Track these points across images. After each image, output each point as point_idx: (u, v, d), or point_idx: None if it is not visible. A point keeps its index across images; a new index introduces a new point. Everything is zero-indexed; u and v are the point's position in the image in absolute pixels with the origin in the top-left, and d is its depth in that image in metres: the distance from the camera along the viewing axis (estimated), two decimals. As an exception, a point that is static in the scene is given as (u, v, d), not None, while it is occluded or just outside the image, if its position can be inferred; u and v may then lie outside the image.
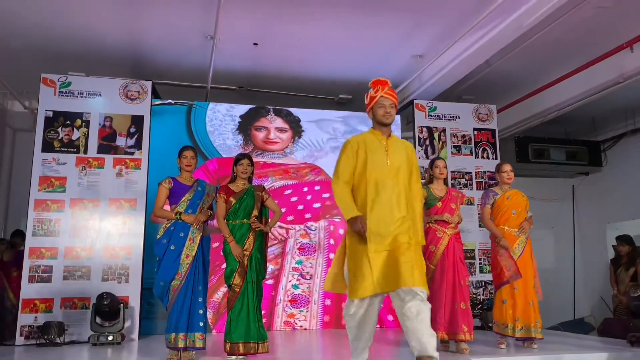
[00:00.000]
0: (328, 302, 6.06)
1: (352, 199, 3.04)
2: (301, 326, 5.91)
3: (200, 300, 3.77)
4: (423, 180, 4.08)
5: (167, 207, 3.93)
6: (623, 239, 6.31)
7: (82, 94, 5.49)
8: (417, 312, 2.80)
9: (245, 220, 3.93)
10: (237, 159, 4.08)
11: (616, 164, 7.52)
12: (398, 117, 6.90)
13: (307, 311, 6.00)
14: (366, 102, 3.21)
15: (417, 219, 3.11)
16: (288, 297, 5.98)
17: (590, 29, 5.05)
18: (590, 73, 5.67)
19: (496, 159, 6.46)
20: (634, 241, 6.36)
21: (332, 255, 6.21)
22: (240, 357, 3.75)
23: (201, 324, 3.75)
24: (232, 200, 3.94)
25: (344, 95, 7.04)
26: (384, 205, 2.99)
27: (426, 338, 2.78)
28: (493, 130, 6.58)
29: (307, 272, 6.11)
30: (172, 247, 3.73)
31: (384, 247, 2.92)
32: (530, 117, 6.90)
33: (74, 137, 5.38)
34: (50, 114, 5.38)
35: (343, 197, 3.06)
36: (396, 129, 6.82)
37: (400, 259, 2.88)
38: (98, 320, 4.81)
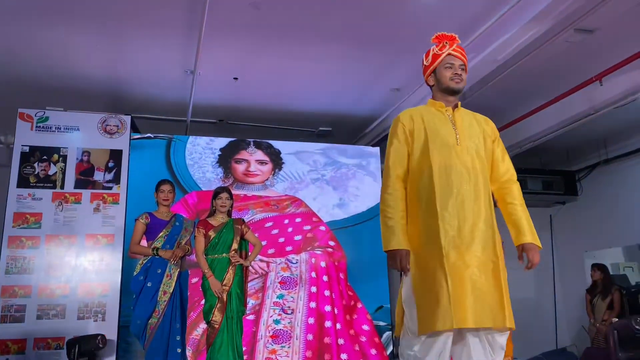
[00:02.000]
0: (310, 337, 5.96)
1: (399, 219, 2.23)
2: (283, 362, 5.80)
3: (177, 338, 3.69)
4: None
5: (144, 243, 3.88)
6: (596, 266, 6.39)
7: (60, 128, 5.45)
8: None
9: (224, 254, 3.89)
10: (216, 193, 4.06)
11: (591, 193, 7.66)
12: (377, 149, 6.97)
13: (289, 347, 5.89)
14: (425, 63, 2.45)
15: (520, 214, 2.27)
16: (269, 332, 5.88)
17: (562, 63, 5.21)
18: (563, 105, 5.82)
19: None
20: (609, 270, 6.44)
21: (314, 289, 6.16)
22: (220, 396, 3.66)
23: (179, 362, 3.66)
24: (211, 234, 3.91)
25: (323, 128, 7.10)
26: (461, 200, 2.17)
27: None
28: (471, 161, 6.66)
29: (289, 307, 6.03)
30: (148, 284, 3.67)
31: (461, 261, 2.10)
32: (507, 148, 7.00)
33: (50, 172, 5.31)
34: (27, 148, 5.32)
35: (393, 212, 2.25)
36: (375, 160, 6.88)
37: (485, 285, 2.09)
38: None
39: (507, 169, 2.40)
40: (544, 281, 8.13)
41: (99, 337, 4.79)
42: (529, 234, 2.26)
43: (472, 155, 2.27)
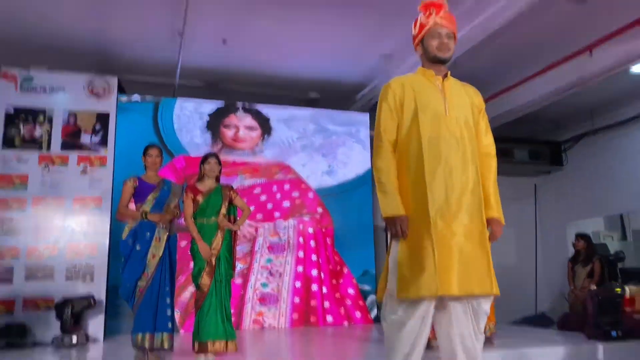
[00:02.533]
0: (297, 300, 6.08)
1: (396, 185, 2.23)
2: (270, 324, 5.92)
3: (167, 300, 3.73)
4: None
5: (132, 207, 3.88)
6: (580, 236, 6.54)
7: (45, 89, 5.35)
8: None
9: (213, 219, 3.91)
10: (205, 158, 4.05)
11: (576, 163, 7.77)
12: (367, 116, 6.96)
13: (276, 309, 6.00)
14: (414, 32, 2.43)
15: (490, 191, 2.32)
16: (257, 295, 5.98)
17: (553, 33, 5.20)
18: (552, 75, 5.83)
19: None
20: (592, 239, 6.59)
21: (301, 254, 6.24)
22: (210, 356, 3.74)
23: (169, 324, 3.72)
24: (200, 199, 3.92)
25: (313, 93, 7.05)
26: (449, 169, 2.19)
27: None
28: (459, 130, 6.69)
29: (276, 271, 6.12)
30: (137, 247, 3.68)
31: (448, 229, 2.13)
32: (494, 117, 7.03)
33: (36, 134, 5.25)
34: (11, 109, 5.23)
35: (386, 179, 2.24)
36: (365, 128, 6.88)
37: (471, 253, 2.13)
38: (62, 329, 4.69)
39: (489, 142, 2.42)
40: (527, 249, 8.31)
41: (90, 298, 4.84)
42: (496, 209, 2.31)
43: (460, 125, 2.28)
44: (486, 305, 2.18)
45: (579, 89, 5.70)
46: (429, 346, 4.14)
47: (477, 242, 2.16)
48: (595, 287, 5.59)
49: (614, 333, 4.33)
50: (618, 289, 4.54)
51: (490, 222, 2.28)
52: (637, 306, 4.80)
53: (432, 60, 2.36)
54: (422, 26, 2.37)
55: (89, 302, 4.80)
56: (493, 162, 2.40)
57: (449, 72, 2.40)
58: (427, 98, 2.29)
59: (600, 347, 4.18)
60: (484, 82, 6.62)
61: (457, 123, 2.27)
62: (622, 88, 6.29)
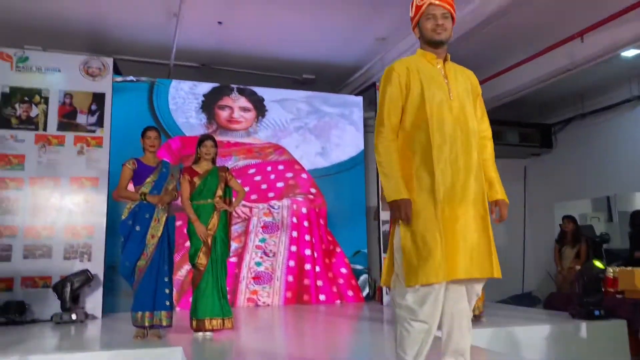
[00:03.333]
0: (290, 278, 6.21)
1: (399, 170, 2.20)
2: (264, 302, 6.06)
3: (166, 279, 3.83)
4: None
5: (131, 188, 3.95)
6: (568, 218, 6.69)
7: (41, 69, 5.36)
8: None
9: (209, 200, 4.00)
10: (201, 140, 4.11)
11: (565, 146, 7.90)
12: (360, 99, 7.02)
13: (270, 288, 6.14)
14: (411, 14, 2.39)
15: (492, 174, 2.36)
16: (251, 274, 6.10)
17: (544, 19, 5.26)
18: (544, 60, 5.91)
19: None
20: (578, 221, 6.76)
21: (294, 234, 6.36)
22: (207, 333, 3.87)
23: (167, 302, 3.82)
24: (196, 181, 4.00)
25: (307, 75, 7.09)
26: (455, 154, 2.18)
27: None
28: (451, 113, 6.77)
29: (270, 250, 6.23)
30: (137, 228, 3.77)
31: (456, 216, 2.14)
32: (486, 101, 7.06)
33: (32, 114, 5.27)
34: (7, 89, 5.24)
35: (388, 164, 2.21)
36: (358, 110, 6.94)
37: (475, 237, 2.16)
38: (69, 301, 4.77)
39: (486, 126, 2.43)
40: (515, 229, 8.48)
41: (86, 272, 4.90)
42: (500, 192, 2.36)
43: (463, 109, 2.26)
44: (479, 287, 2.26)
45: (570, 74, 5.78)
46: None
47: (480, 227, 2.18)
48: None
49: (596, 312, 4.50)
50: (601, 265, 4.69)
51: (497, 204, 2.33)
52: (619, 286, 4.96)
53: (429, 43, 2.32)
54: (417, 8, 2.33)
55: (86, 277, 4.87)
56: (490, 144, 2.42)
57: (449, 56, 2.37)
58: (432, 82, 2.26)
59: (584, 326, 4.34)
60: (477, 65, 6.65)
61: (460, 107, 2.25)
62: (611, 72, 6.39)
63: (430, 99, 2.22)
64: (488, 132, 2.43)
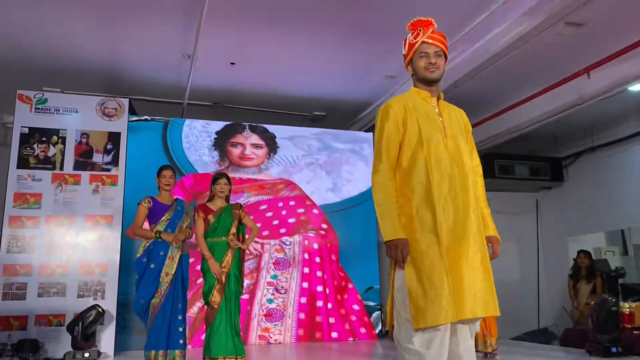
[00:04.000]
0: (302, 315, 6.17)
1: (397, 209, 2.20)
2: (276, 340, 6.01)
3: (179, 317, 3.85)
4: None
5: (146, 226, 4.01)
6: (583, 252, 6.63)
7: (59, 110, 5.51)
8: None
9: (223, 238, 4.04)
10: (215, 179, 4.18)
11: (576, 179, 7.89)
12: (370, 135, 7.11)
13: (281, 325, 6.10)
14: (404, 52, 2.41)
15: (485, 210, 2.34)
16: (263, 311, 6.08)
17: (551, 55, 5.35)
18: (552, 95, 5.99)
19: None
20: (592, 255, 6.70)
21: (306, 270, 6.35)
22: (219, 372, 3.85)
23: (181, 341, 3.83)
24: (211, 218, 4.05)
25: (318, 112, 7.21)
26: (453, 192, 2.19)
27: None
28: (461, 148, 6.82)
29: (282, 287, 6.22)
30: (152, 266, 3.81)
31: (459, 254, 2.14)
32: (495, 135, 7.19)
33: (49, 154, 5.39)
34: (26, 130, 5.37)
35: (385, 202, 2.21)
36: (368, 146, 7.02)
37: (477, 275, 2.14)
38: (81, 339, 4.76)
39: (477, 163, 2.43)
40: (529, 264, 8.40)
41: (96, 308, 4.87)
42: (492, 227, 2.36)
43: (458, 147, 2.27)
44: (477, 325, 2.26)
45: (578, 109, 5.84)
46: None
47: (480, 264, 2.17)
48: (596, 303, 5.67)
49: (614, 349, 4.42)
50: (609, 298, 4.64)
51: (490, 240, 2.31)
52: (636, 322, 4.88)
53: (422, 81, 2.35)
54: (410, 46, 2.36)
55: (97, 312, 4.82)
56: (481, 181, 2.41)
57: (442, 94, 2.40)
58: (428, 120, 2.27)
59: (601, 363, 4.27)
60: (486, 101, 6.80)
61: (455, 145, 2.26)
62: (620, 107, 6.44)
63: (428, 137, 2.23)
64: (479, 169, 2.43)
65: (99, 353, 4.88)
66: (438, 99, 2.37)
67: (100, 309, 4.89)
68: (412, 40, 2.35)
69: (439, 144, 2.23)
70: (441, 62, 2.33)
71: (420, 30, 2.34)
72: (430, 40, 2.31)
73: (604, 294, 4.89)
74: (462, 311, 2.07)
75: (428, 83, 2.34)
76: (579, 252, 6.73)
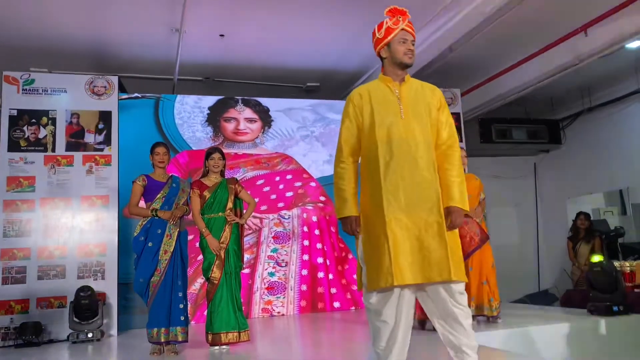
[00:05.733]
0: (304, 287, 6.19)
1: (350, 190, 2.43)
2: (279, 312, 6.04)
3: (180, 294, 3.83)
4: None
5: (142, 204, 3.96)
6: (583, 214, 6.63)
7: (47, 90, 5.40)
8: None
9: (220, 213, 4.00)
10: (209, 154, 4.12)
11: (574, 141, 7.84)
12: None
13: (284, 297, 6.12)
14: (379, 36, 2.50)
15: (452, 180, 2.41)
16: (265, 284, 6.09)
17: (547, 14, 5.24)
18: (548, 56, 5.89)
19: (461, 141, 6.65)
20: (591, 217, 6.70)
21: (306, 242, 6.34)
22: (223, 347, 3.86)
23: (182, 318, 3.82)
24: (206, 194, 4.00)
25: (311, 83, 7.09)
26: (402, 169, 2.34)
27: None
28: (458, 114, 6.76)
29: (283, 260, 6.22)
30: (149, 244, 3.78)
31: (405, 225, 2.31)
32: (492, 99, 7.11)
33: (40, 136, 5.31)
34: (15, 112, 5.28)
35: (340, 185, 2.46)
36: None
37: (430, 243, 2.29)
38: (76, 319, 4.78)
39: (449, 135, 2.50)
40: (527, 227, 8.42)
41: (86, 289, 4.82)
42: (457, 199, 2.40)
43: (414, 126, 2.41)
44: (457, 287, 2.32)
45: (575, 68, 5.75)
46: (424, 327, 4.27)
47: (435, 233, 2.30)
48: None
49: (615, 308, 4.44)
50: (600, 258, 4.66)
51: (449, 211, 2.37)
52: (637, 280, 4.90)
53: (397, 65, 2.48)
54: (389, 30, 2.48)
55: (91, 292, 4.80)
56: (454, 153, 2.48)
57: (407, 76, 2.53)
58: (382, 104, 2.45)
59: (603, 322, 4.29)
60: (481, 65, 6.70)
61: (411, 125, 2.41)
62: (617, 65, 6.34)
63: (378, 121, 2.42)
64: (453, 141, 2.50)
65: (102, 333, 4.90)
66: (402, 81, 2.50)
67: (89, 292, 4.82)
68: (391, 25, 2.48)
69: (392, 126, 2.40)
70: (414, 51, 2.52)
71: (399, 17, 2.49)
72: (409, 29, 2.49)
73: (595, 256, 4.90)
74: (402, 277, 2.25)
75: (402, 67, 2.50)
76: (578, 213, 6.73)
